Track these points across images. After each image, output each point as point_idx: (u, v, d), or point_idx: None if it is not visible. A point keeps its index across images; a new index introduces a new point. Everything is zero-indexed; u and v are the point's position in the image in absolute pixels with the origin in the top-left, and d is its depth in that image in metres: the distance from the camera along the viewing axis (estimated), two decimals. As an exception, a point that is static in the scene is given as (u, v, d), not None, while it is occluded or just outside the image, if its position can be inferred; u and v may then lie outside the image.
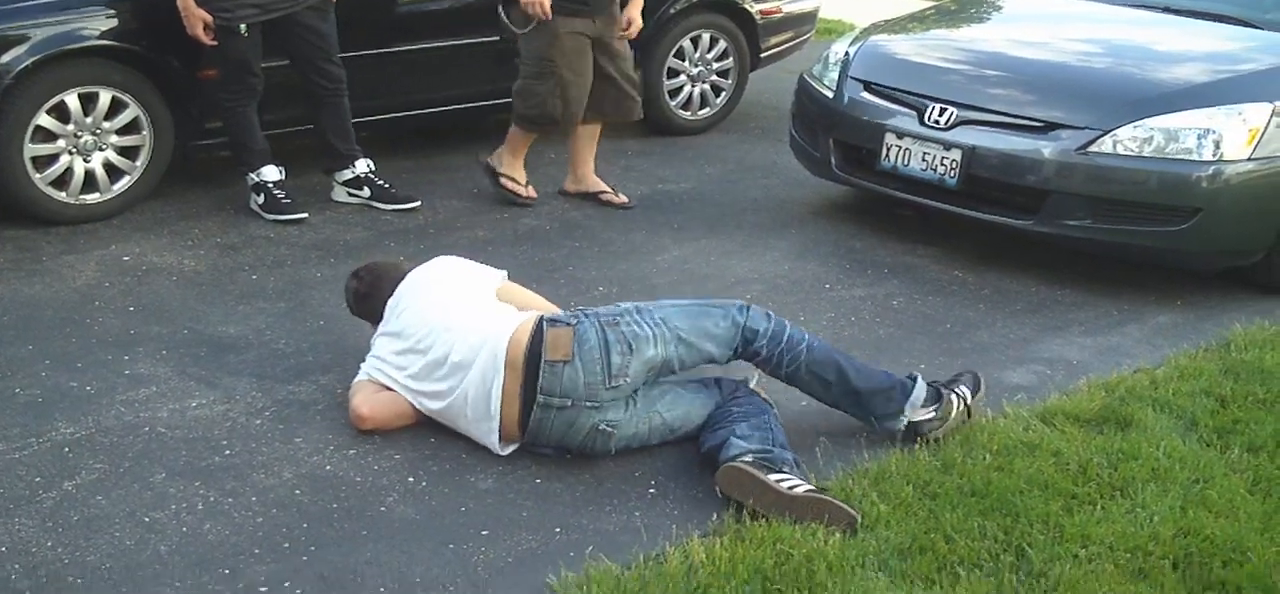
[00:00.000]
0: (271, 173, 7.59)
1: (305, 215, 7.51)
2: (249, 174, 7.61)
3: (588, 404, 4.77)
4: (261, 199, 7.57)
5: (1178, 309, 6.78)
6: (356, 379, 5.19)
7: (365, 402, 5.04)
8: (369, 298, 5.43)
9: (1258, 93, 6.92)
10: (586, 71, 7.71)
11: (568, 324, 4.86)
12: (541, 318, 4.92)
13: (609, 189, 8.17)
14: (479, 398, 4.85)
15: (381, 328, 5.24)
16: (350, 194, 7.88)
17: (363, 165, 7.88)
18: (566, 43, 7.54)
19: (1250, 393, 5.66)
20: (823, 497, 4.49)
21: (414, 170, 8.57)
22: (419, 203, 7.81)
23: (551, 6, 7.43)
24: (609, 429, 4.83)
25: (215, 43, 7.20)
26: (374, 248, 7.01)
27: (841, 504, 4.46)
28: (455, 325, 4.95)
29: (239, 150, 7.62)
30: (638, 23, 7.83)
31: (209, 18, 7.13)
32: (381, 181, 7.85)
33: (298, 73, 7.58)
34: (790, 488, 4.49)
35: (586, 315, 4.92)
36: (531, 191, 8.03)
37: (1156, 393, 5.60)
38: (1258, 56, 7.50)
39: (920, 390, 5.10)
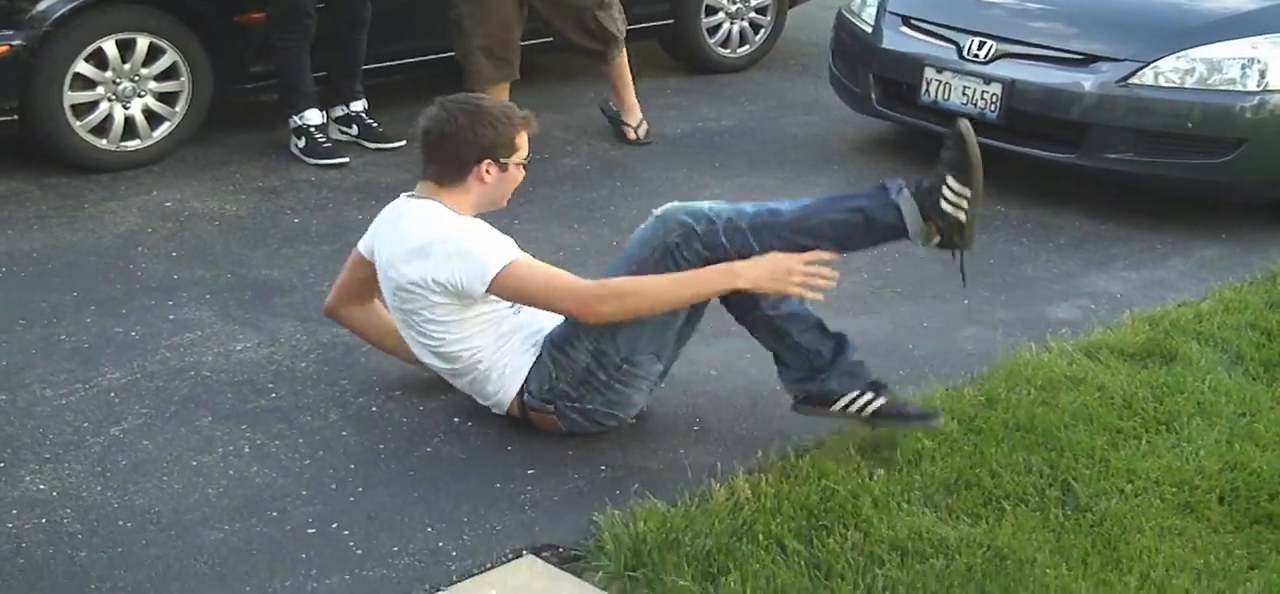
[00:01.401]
0: (314, 117, 7.61)
1: (346, 159, 7.52)
2: (293, 116, 7.62)
3: None
4: (303, 142, 7.59)
5: (1222, 242, 6.74)
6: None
7: None
8: None
9: (1303, 21, 6.87)
10: (502, 20, 7.58)
11: (547, 409, 4.66)
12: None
13: (630, 123, 8.17)
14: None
15: None
16: (340, 131, 7.93)
17: (358, 105, 7.94)
18: None
19: (1296, 326, 5.64)
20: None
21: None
22: (403, 143, 7.76)
23: None
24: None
25: None
26: (402, 190, 7.04)
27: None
28: None
29: (287, 91, 7.64)
30: None
31: None
32: (371, 121, 7.87)
33: (328, 8, 7.59)
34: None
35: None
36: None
37: (1201, 326, 5.58)
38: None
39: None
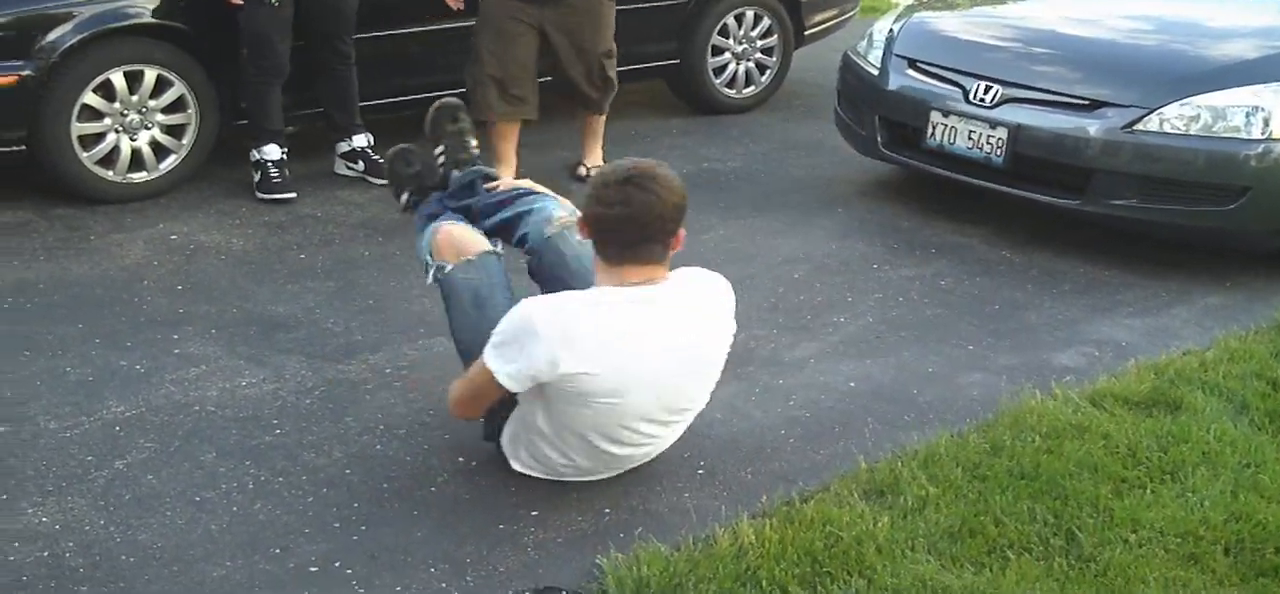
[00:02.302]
0: (273, 152, 7.62)
1: (294, 194, 7.51)
2: (253, 149, 7.63)
3: None
4: (257, 176, 7.59)
5: (1227, 290, 6.74)
6: None
7: None
8: None
9: (1308, 69, 6.89)
10: (520, 59, 7.58)
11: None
12: None
13: (588, 165, 8.18)
14: None
15: None
16: (347, 167, 7.98)
17: (361, 139, 7.96)
18: (498, 24, 7.50)
19: (1303, 375, 5.63)
20: None
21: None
22: None
23: None
24: None
25: (239, 4, 7.23)
26: (411, 229, 7.04)
27: None
28: None
29: (251, 124, 7.66)
30: None
31: None
32: (376, 157, 7.84)
33: (311, 45, 7.61)
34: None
35: None
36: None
37: (1206, 375, 5.57)
38: (1311, 32, 7.46)
39: None
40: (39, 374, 5.29)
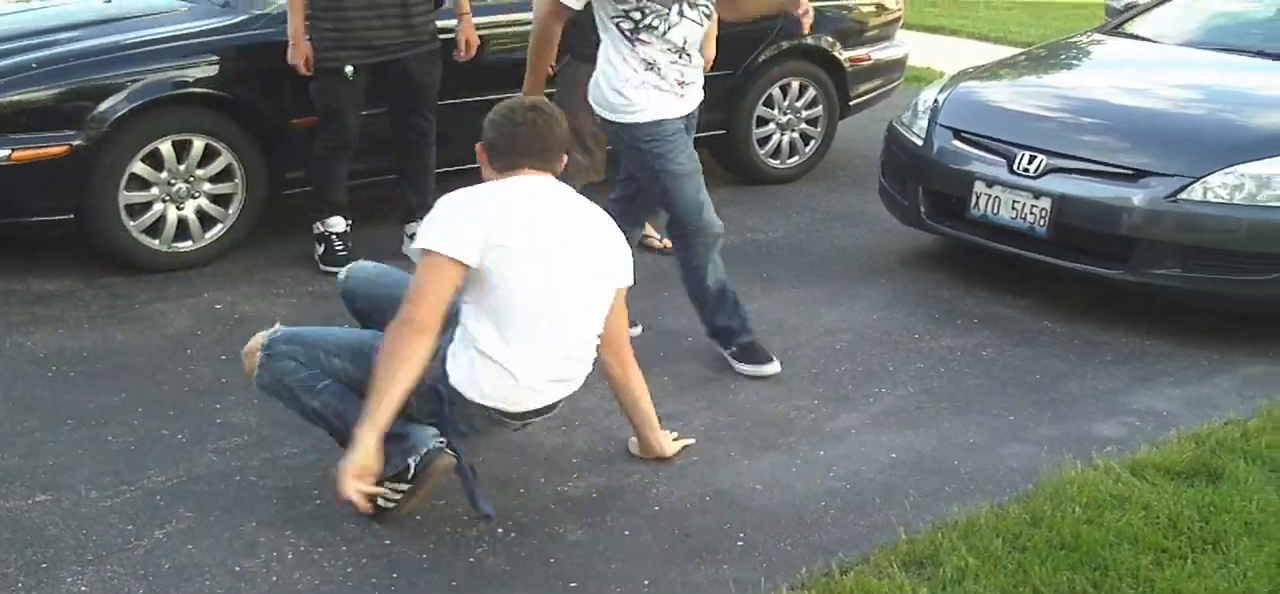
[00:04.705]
0: (337, 224, 7.62)
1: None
2: (316, 222, 7.64)
3: None
4: (321, 249, 7.60)
5: (1269, 359, 6.70)
6: None
7: None
8: None
9: (1351, 137, 6.87)
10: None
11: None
12: None
13: (654, 234, 8.16)
14: None
15: None
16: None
17: None
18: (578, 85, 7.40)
19: (1347, 446, 5.59)
20: None
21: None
22: None
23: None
24: None
25: (310, 74, 7.26)
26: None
27: None
28: None
29: (315, 196, 7.65)
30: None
31: (310, 52, 7.21)
32: None
33: (391, 119, 7.60)
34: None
35: None
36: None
37: (1248, 445, 5.54)
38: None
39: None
40: (81, 443, 5.32)
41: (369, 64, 7.27)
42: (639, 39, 5.86)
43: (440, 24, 7.62)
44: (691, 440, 5.45)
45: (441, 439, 4.73)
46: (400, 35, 7.29)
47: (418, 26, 7.39)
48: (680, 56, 5.95)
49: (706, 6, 5.93)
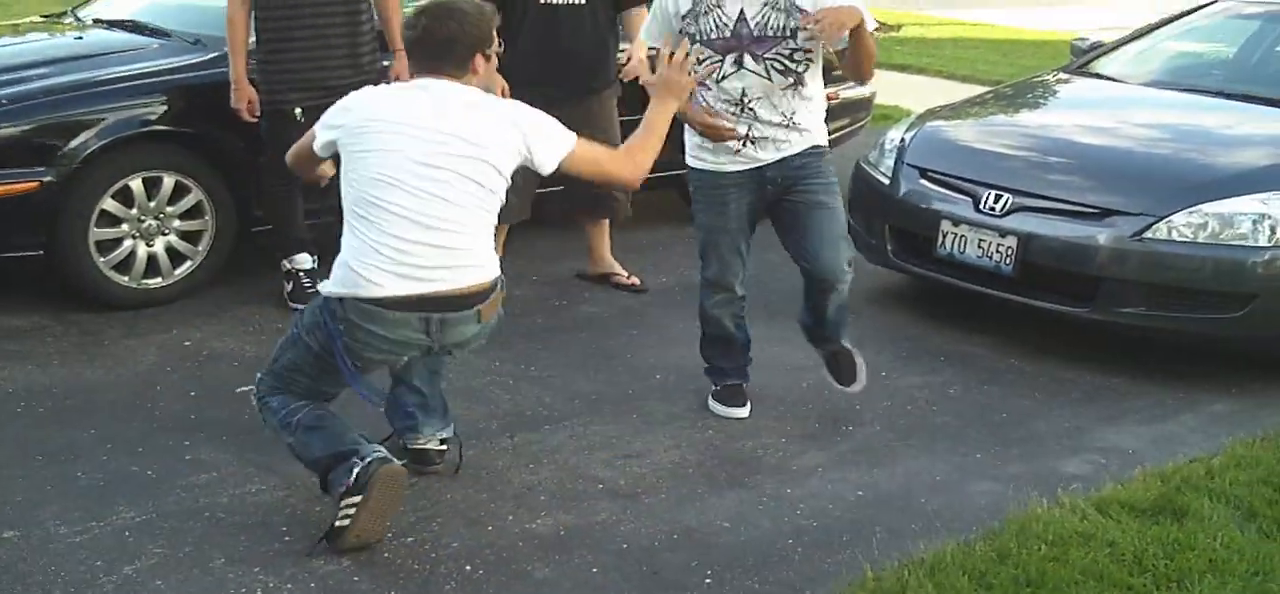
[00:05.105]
0: (304, 261, 7.59)
1: None
2: (283, 260, 7.62)
3: None
4: (290, 286, 7.57)
5: (1233, 397, 6.75)
6: None
7: None
8: None
9: (1313, 177, 6.94)
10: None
11: None
12: None
13: (622, 272, 8.21)
14: None
15: None
16: None
17: None
18: None
19: (1310, 483, 5.63)
20: None
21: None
22: None
23: (509, 90, 7.22)
24: None
25: (255, 120, 7.26)
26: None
27: None
28: None
29: (277, 236, 7.65)
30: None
31: (254, 96, 7.22)
32: None
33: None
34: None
35: None
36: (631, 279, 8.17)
37: (1213, 483, 5.58)
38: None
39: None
40: (50, 479, 5.33)
41: (318, 104, 7.28)
42: (703, 85, 5.88)
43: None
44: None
45: (382, 451, 4.89)
46: (349, 74, 7.20)
47: (365, 64, 7.41)
48: (741, 110, 5.90)
49: (780, 62, 5.82)
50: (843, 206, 6.18)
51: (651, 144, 5.15)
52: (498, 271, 5.03)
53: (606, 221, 8.20)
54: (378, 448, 4.83)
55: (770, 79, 5.84)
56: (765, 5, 5.74)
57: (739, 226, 6.17)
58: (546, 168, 4.98)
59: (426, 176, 4.76)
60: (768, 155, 5.99)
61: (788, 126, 5.94)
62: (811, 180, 6.04)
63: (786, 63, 5.82)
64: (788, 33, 5.76)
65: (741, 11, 5.75)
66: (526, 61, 7.48)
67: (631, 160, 5.17)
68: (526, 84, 6.98)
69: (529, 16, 7.56)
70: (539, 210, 7.90)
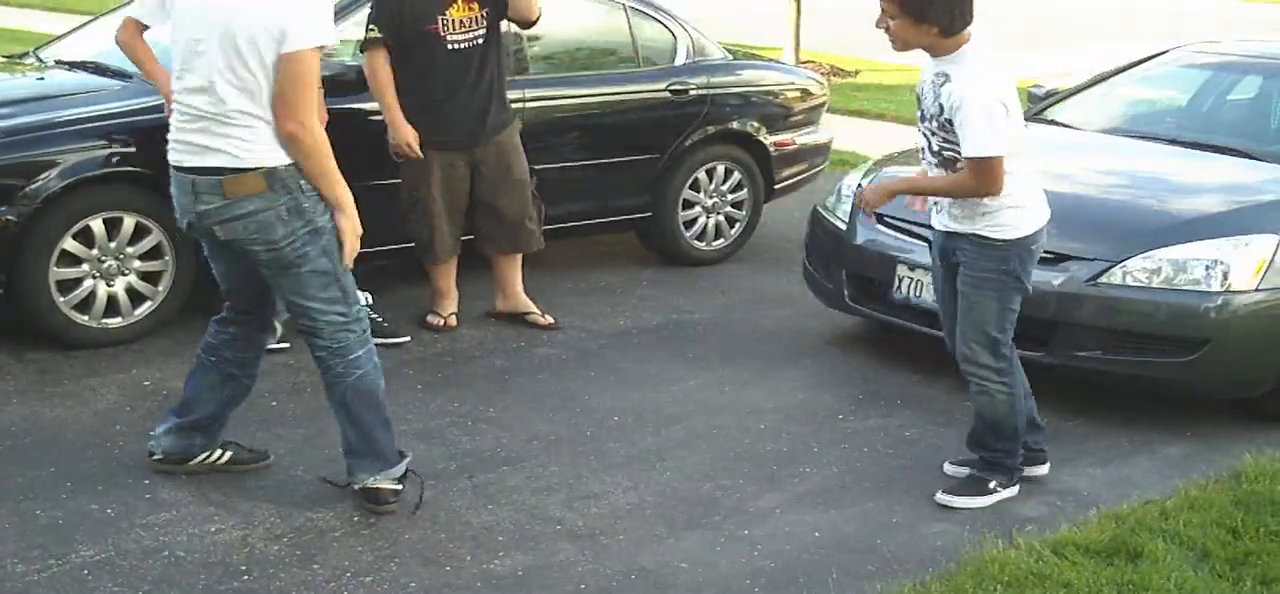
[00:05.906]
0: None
1: (288, 345, 7.40)
2: None
3: None
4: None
5: (1188, 440, 6.81)
6: None
7: None
8: None
9: (1265, 224, 7.02)
10: (453, 200, 7.86)
11: None
12: None
13: (536, 310, 8.24)
14: None
15: None
16: None
17: (363, 297, 7.90)
18: (433, 173, 7.74)
19: (1262, 524, 5.68)
20: None
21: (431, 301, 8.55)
22: (408, 338, 7.78)
23: (420, 142, 7.59)
24: None
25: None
26: (392, 377, 7.02)
27: None
28: None
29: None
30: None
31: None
32: (376, 317, 7.76)
33: None
34: None
35: None
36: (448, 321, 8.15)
37: (1167, 524, 5.64)
38: (1272, 188, 7.57)
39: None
40: (9, 517, 5.32)
41: None
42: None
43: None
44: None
45: None
46: None
47: None
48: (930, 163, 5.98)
49: (935, 138, 5.83)
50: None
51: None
52: None
53: (519, 257, 8.23)
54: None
55: (928, 139, 5.95)
56: None
57: None
58: None
59: (211, 43, 5.18)
60: (938, 222, 6.21)
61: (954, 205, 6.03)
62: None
63: (936, 145, 5.88)
64: None
65: None
66: (438, 109, 7.71)
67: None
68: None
69: (438, 61, 7.70)
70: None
